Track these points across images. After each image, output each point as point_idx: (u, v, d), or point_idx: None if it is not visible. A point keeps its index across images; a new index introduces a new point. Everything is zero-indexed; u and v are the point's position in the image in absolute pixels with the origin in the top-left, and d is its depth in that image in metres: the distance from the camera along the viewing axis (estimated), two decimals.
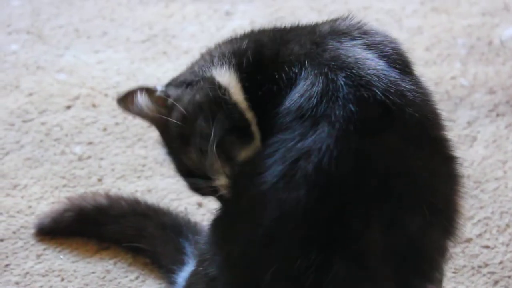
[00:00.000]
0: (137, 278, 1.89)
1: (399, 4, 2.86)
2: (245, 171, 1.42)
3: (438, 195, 1.40)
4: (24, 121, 2.31)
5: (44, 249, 1.95)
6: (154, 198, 2.06)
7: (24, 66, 2.54)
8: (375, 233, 1.33)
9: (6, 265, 1.91)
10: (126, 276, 1.90)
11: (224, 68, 1.52)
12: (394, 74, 1.41)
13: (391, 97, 1.37)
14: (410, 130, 1.37)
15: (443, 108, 1.49)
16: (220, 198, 1.52)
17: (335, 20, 1.54)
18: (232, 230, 1.44)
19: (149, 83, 2.46)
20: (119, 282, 1.88)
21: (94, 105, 2.37)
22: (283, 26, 1.57)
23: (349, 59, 1.41)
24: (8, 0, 2.85)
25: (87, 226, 1.96)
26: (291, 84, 1.43)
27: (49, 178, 2.13)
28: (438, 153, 1.41)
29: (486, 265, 1.93)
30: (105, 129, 2.29)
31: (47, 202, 2.06)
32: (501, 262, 1.94)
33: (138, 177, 2.15)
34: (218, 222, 1.50)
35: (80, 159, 2.19)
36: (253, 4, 2.85)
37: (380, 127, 1.36)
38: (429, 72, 2.49)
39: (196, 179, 1.54)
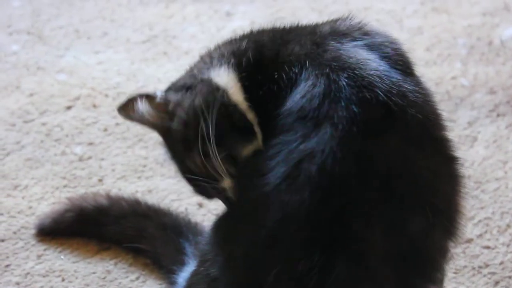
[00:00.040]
0: (137, 278, 1.89)
1: (399, 5, 2.86)
2: (247, 172, 1.42)
3: (440, 195, 1.40)
4: (25, 122, 2.31)
5: (45, 250, 1.95)
6: (154, 198, 2.06)
7: (24, 66, 2.54)
8: (377, 234, 1.33)
9: (7, 266, 1.92)
10: (127, 277, 1.90)
11: (223, 69, 1.51)
12: (395, 75, 1.41)
13: (393, 98, 1.37)
14: (411, 131, 1.37)
15: (444, 108, 1.49)
16: (225, 200, 1.52)
17: (336, 20, 1.54)
18: (234, 231, 1.44)
19: (150, 83, 2.47)
20: (120, 283, 1.88)
21: (94, 106, 2.37)
22: (283, 26, 1.57)
23: (351, 59, 1.41)
24: (9, 0, 2.85)
25: (87, 226, 1.96)
26: (292, 84, 1.43)
27: (49, 178, 2.13)
28: (439, 154, 1.41)
29: (487, 265, 1.93)
30: (105, 130, 2.29)
31: (48, 203, 2.06)
32: (501, 263, 1.94)
33: (139, 177, 2.15)
34: (221, 223, 1.50)
35: (80, 159, 2.19)
36: (254, 5, 2.85)
37: (383, 128, 1.36)
38: (430, 72, 2.49)
39: (201, 182, 1.54)
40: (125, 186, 2.12)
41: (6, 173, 2.15)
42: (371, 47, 1.46)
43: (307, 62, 1.43)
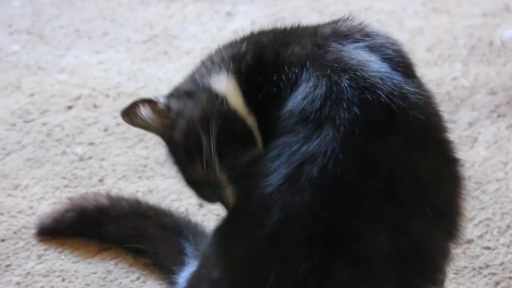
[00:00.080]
0: (138, 278, 1.89)
1: (400, 5, 2.86)
2: (249, 173, 1.42)
3: (441, 197, 1.40)
4: (26, 122, 2.31)
5: (45, 250, 1.95)
6: (155, 198, 2.06)
7: (25, 66, 2.54)
8: (378, 235, 1.34)
9: (7, 266, 1.92)
10: (127, 277, 1.90)
11: (222, 75, 1.52)
12: (397, 77, 1.41)
13: (395, 99, 1.37)
14: (413, 132, 1.38)
15: (444, 109, 1.50)
16: (227, 206, 1.53)
17: (337, 21, 1.54)
18: (236, 231, 1.44)
19: (150, 83, 2.47)
20: (120, 283, 1.88)
21: (95, 106, 2.37)
22: (283, 27, 1.57)
23: (352, 61, 1.41)
24: (9, 0, 2.85)
25: (88, 226, 1.96)
26: (292, 85, 1.43)
27: (50, 178, 2.13)
28: (441, 155, 1.41)
29: (487, 266, 1.93)
30: (106, 130, 2.29)
31: (48, 203, 2.06)
32: (502, 263, 1.94)
33: (139, 177, 2.15)
34: (223, 225, 1.50)
35: (81, 159, 2.19)
36: (254, 5, 2.85)
37: (384, 130, 1.36)
38: (430, 73, 2.48)
39: (203, 189, 1.55)
40: (125, 186, 2.12)
41: (6, 173, 2.15)
42: (372, 49, 1.46)
43: (307, 63, 1.43)
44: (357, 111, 1.35)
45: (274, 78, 1.45)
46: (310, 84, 1.40)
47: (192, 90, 1.54)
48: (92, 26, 2.74)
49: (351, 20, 1.54)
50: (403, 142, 1.36)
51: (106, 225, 1.93)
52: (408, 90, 1.40)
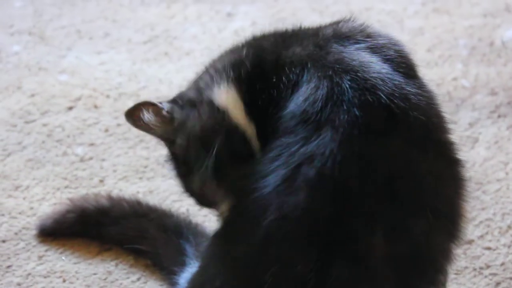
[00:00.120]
0: (138, 279, 1.89)
1: (400, 5, 2.86)
2: (248, 174, 1.43)
3: (442, 198, 1.40)
4: (26, 122, 2.31)
5: (46, 250, 1.95)
6: (155, 199, 2.06)
7: (26, 67, 2.54)
8: (377, 236, 1.34)
9: (8, 266, 1.92)
10: (128, 278, 1.90)
11: (223, 86, 1.52)
12: (398, 78, 1.41)
13: (395, 100, 1.37)
14: (414, 133, 1.38)
15: (445, 110, 1.49)
16: (221, 218, 1.55)
17: (338, 22, 1.54)
18: (235, 231, 1.45)
19: (151, 84, 2.47)
20: (121, 284, 1.88)
21: (96, 106, 2.38)
22: (285, 29, 1.57)
23: (354, 62, 1.41)
24: (10, 1, 2.85)
25: (89, 227, 1.96)
26: (293, 86, 1.43)
27: (51, 179, 2.14)
28: (442, 156, 1.41)
29: (488, 266, 1.93)
30: (107, 130, 2.29)
31: (49, 203, 2.06)
32: (502, 264, 1.94)
33: (140, 178, 2.15)
34: (223, 225, 1.51)
35: (82, 160, 2.19)
36: (255, 5, 2.85)
37: (384, 131, 1.36)
38: (431, 73, 2.48)
39: (199, 199, 1.59)
40: (126, 187, 2.12)
41: (7, 173, 2.15)
42: (373, 50, 1.46)
43: (309, 64, 1.44)
44: (357, 112, 1.35)
45: (274, 80, 1.45)
46: (312, 85, 1.40)
47: (195, 100, 1.55)
48: (93, 26, 2.74)
49: (352, 21, 1.54)
50: (403, 143, 1.36)
51: (107, 226, 1.93)
52: (409, 91, 1.40)
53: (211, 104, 1.53)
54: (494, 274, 1.92)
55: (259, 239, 1.36)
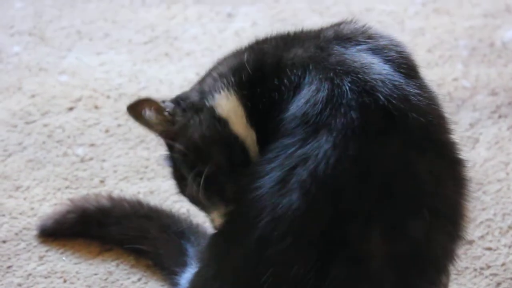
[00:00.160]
0: (139, 279, 1.90)
1: (401, 6, 2.86)
2: (246, 175, 1.43)
3: (442, 198, 1.40)
4: (27, 123, 2.31)
5: (47, 251, 1.95)
6: (156, 199, 2.06)
7: (26, 67, 2.54)
8: (375, 236, 1.34)
9: (9, 267, 1.92)
10: (129, 278, 1.90)
11: (224, 92, 1.52)
12: (399, 79, 1.42)
13: (394, 102, 1.37)
14: (413, 134, 1.38)
15: (446, 110, 1.50)
16: (213, 226, 1.57)
17: (339, 24, 1.54)
18: (232, 232, 1.45)
19: (151, 85, 2.47)
20: (122, 284, 1.88)
21: (96, 107, 2.38)
22: (286, 33, 1.57)
23: (355, 63, 1.42)
24: (11, 1, 2.85)
25: (89, 227, 1.96)
26: (294, 88, 1.44)
27: (51, 179, 2.14)
28: (443, 157, 1.41)
29: (489, 267, 1.93)
30: (107, 131, 2.29)
31: (50, 204, 2.06)
32: (503, 264, 1.94)
33: (141, 178, 2.15)
34: (221, 226, 1.51)
35: (82, 160, 2.20)
36: (255, 6, 2.85)
37: (381, 133, 1.37)
38: (431, 73, 2.48)
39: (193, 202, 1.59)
40: (127, 187, 2.12)
41: (8, 174, 2.15)
42: (375, 51, 1.46)
43: (310, 66, 1.44)
44: (353, 114, 1.35)
45: (276, 82, 1.45)
46: (313, 87, 1.41)
47: (197, 106, 1.55)
48: (93, 27, 2.74)
49: (354, 22, 1.54)
50: (401, 144, 1.36)
51: (108, 226, 1.93)
52: (409, 92, 1.40)
53: (212, 112, 1.53)
54: (495, 275, 1.92)
55: (256, 240, 1.37)
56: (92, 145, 2.24)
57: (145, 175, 2.15)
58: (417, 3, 2.88)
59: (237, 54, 1.58)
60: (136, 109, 1.59)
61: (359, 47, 1.47)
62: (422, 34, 2.72)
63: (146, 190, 2.11)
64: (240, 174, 1.47)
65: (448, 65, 2.57)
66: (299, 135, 1.37)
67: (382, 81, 1.39)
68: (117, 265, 1.92)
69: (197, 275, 1.59)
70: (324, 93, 1.39)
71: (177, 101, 1.58)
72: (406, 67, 1.46)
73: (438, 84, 2.46)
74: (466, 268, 1.93)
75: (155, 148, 2.19)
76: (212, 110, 1.53)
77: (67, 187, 2.11)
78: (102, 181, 2.13)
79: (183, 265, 1.80)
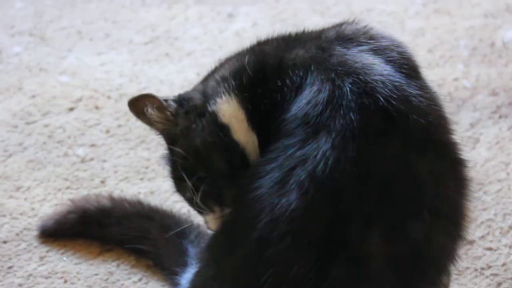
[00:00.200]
0: (140, 280, 1.90)
1: (401, 6, 2.86)
2: (246, 175, 1.43)
3: (443, 198, 1.40)
4: (27, 123, 2.31)
5: (47, 251, 1.95)
6: (157, 200, 2.06)
7: (27, 68, 2.54)
8: (375, 237, 1.34)
9: (9, 267, 1.92)
10: (129, 278, 1.90)
11: (225, 96, 1.52)
12: (399, 79, 1.42)
13: (394, 103, 1.37)
14: (413, 135, 1.38)
15: (446, 110, 1.50)
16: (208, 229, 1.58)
17: (341, 25, 1.54)
18: (232, 233, 1.45)
19: (152, 85, 2.47)
20: (122, 284, 1.88)
21: (96, 107, 2.38)
22: (288, 34, 1.57)
23: (356, 64, 1.42)
24: (11, 2, 2.85)
25: (90, 228, 1.96)
26: (296, 88, 1.44)
27: (52, 180, 2.14)
28: (444, 157, 1.41)
29: (489, 267, 1.93)
30: (108, 131, 2.29)
31: (50, 204, 2.06)
32: (504, 264, 1.94)
33: (141, 179, 2.15)
34: (221, 226, 1.51)
35: (83, 161, 2.20)
36: (256, 7, 2.85)
37: (381, 134, 1.37)
38: (432, 74, 2.48)
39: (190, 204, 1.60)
40: (127, 187, 2.12)
41: (8, 174, 2.15)
42: (376, 52, 1.46)
43: (312, 66, 1.44)
44: (352, 116, 1.35)
45: (278, 83, 1.46)
46: (315, 88, 1.41)
47: (200, 109, 1.55)
48: (93, 27, 2.74)
49: (355, 23, 1.54)
50: (401, 145, 1.37)
51: (108, 226, 1.93)
52: (410, 92, 1.40)
53: (214, 117, 1.53)
54: (495, 275, 1.92)
55: (255, 241, 1.37)
56: (92, 145, 2.25)
57: (145, 176, 2.15)
58: (417, 3, 2.88)
59: (239, 56, 1.58)
60: (138, 105, 1.58)
61: (361, 47, 1.47)
62: (422, 34, 2.72)
63: (147, 191, 2.11)
64: (239, 177, 1.47)
65: (449, 65, 2.57)
66: (299, 136, 1.38)
67: (383, 82, 1.39)
68: (118, 265, 1.92)
69: (197, 275, 1.59)
70: (325, 94, 1.39)
71: (180, 101, 1.58)
72: (408, 67, 1.46)
73: (438, 84, 2.46)
74: (467, 268, 1.93)
75: (155, 149, 2.19)
76: (214, 115, 1.53)
77: (67, 188, 2.11)
78: (102, 182, 2.13)
79: (184, 265, 1.80)
